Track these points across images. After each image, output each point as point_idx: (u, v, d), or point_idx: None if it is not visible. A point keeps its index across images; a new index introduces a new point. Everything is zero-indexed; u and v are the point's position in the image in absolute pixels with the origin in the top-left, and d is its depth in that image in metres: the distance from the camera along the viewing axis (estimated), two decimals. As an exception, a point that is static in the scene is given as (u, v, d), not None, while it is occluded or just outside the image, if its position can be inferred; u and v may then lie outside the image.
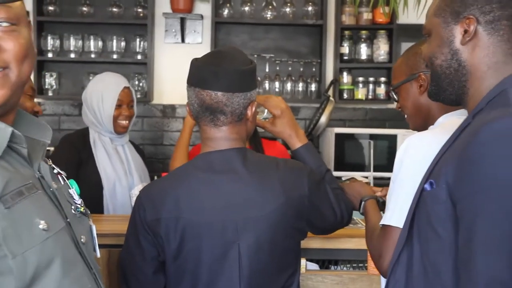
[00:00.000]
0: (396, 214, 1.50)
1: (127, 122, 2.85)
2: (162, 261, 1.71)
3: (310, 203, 1.75)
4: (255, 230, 1.67)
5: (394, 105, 1.92)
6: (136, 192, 2.78)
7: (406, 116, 1.78)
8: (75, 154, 2.73)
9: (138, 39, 4.29)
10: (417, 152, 1.52)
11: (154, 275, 1.72)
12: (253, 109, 1.76)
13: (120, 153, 2.88)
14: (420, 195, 1.27)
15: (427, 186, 1.23)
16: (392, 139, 4.01)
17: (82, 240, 1.16)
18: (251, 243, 1.67)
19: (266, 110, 1.99)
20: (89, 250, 1.20)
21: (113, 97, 2.80)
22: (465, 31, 1.25)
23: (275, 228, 1.69)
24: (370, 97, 4.38)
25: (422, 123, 1.72)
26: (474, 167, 1.11)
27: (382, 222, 1.56)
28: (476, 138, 1.13)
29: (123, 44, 4.30)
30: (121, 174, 2.79)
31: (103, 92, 2.80)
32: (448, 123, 1.60)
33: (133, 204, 2.72)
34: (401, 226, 1.44)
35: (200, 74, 1.72)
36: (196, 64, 1.74)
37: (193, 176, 1.71)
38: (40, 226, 1.01)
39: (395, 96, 1.78)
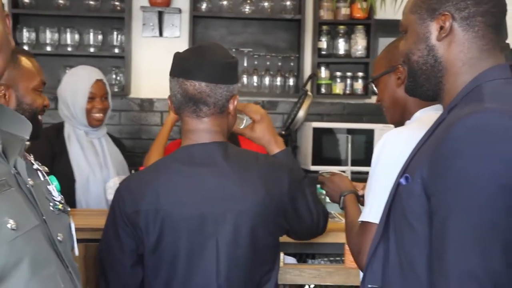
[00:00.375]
0: (374, 210, 1.51)
1: (101, 115, 2.82)
2: (141, 253, 1.70)
3: (289, 200, 1.75)
4: (235, 224, 1.67)
5: (371, 100, 1.93)
6: (111, 184, 2.75)
7: (384, 109, 1.79)
8: (48, 147, 2.69)
9: (115, 33, 4.25)
10: (393, 148, 1.53)
11: (132, 268, 1.71)
12: (235, 103, 1.76)
13: (96, 146, 2.84)
14: (396, 189, 1.27)
15: (402, 180, 1.24)
16: (370, 134, 4.03)
17: (59, 238, 1.12)
18: (229, 237, 1.66)
19: (245, 120, 1.99)
20: (66, 248, 1.16)
21: (85, 90, 2.76)
22: (441, 28, 1.26)
23: (255, 222, 1.69)
24: (347, 92, 4.39)
25: (399, 116, 1.73)
26: (447, 163, 1.12)
27: (360, 219, 1.57)
28: (449, 133, 1.13)
29: (100, 37, 4.25)
30: (96, 167, 2.76)
31: (75, 85, 2.78)
32: (425, 117, 1.61)
33: (108, 197, 2.72)
34: (377, 222, 1.45)
35: (184, 65, 1.72)
36: (180, 56, 1.75)
37: (173, 168, 1.71)
38: (8, 226, 0.97)
39: (374, 88, 1.79)
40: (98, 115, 2.81)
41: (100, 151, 2.84)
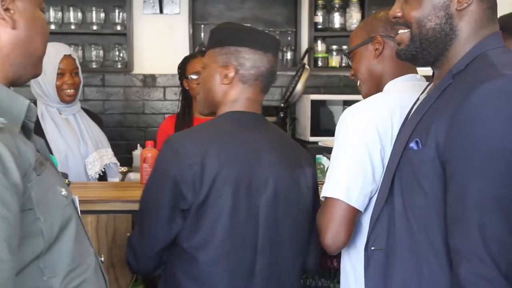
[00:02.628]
0: (338, 186, 1.49)
1: (72, 90, 2.73)
2: (184, 208, 1.66)
3: (314, 189, 1.80)
4: (274, 188, 1.69)
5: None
6: (90, 160, 2.72)
7: (358, 82, 1.74)
8: None
9: (117, 10, 4.22)
10: (349, 124, 1.52)
11: (171, 221, 1.66)
12: None
13: (72, 123, 2.78)
14: (402, 154, 1.26)
15: (413, 145, 1.23)
16: (365, 105, 4.04)
17: (77, 207, 1.21)
18: (270, 200, 1.69)
19: None
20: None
21: (53, 67, 2.68)
22: None
23: (290, 191, 1.72)
24: (343, 64, 4.39)
25: (374, 89, 1.68)
26: (468, 128, 1.11)
27: (323, 194, 1.54)
28: (468, 99, 1.12)
29: (102, 15, 4.23)
30: (73, 144, 2.70)
31: (44, 63, 2.72)
32: (391, 89, 1.60)
33: (88, 172, 2.71)
34: (340, 198, 1.46)
35: (269, 41, 1.76)
36: (253, 29, 1.81)
37: (223, 128, 1.71)
38: (62, 193, 1.09)
39: (349, 61, 1.75)
40: (69, 91, 2.72)
41: (76, 127, 2.78)
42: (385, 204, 1.31)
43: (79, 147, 2.72)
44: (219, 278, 1.66)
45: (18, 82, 1.13)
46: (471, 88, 1.13)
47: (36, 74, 1.19)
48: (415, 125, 1.26)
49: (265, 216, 1.68)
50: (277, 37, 1.93)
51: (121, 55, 4.25)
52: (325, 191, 1.53)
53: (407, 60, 1.36)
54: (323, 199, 1.56)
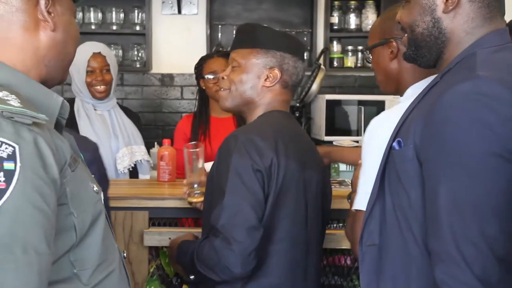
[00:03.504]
0: (363, 199, 1.44)
1: (102, 87, 2.80)
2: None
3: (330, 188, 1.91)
4: (317, 184, 1.78)
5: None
6: (120, 155, 2.76)
7: (377, 79, 1.71)
8: None
9: (136, 11, 4.25)
10: (379, 135, 1.45)
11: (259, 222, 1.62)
12: None
13: (106, 118, 2.84)
14: (389, 153, 1.25)
15: (395, 144, 1.22)
16: (380, 105, 4.02)
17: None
18: (314, 195, 1.76)
19: None
20: None
21: (83, 65, 2.76)
22: (447, 0, 1.22)
23: (320, 186, 1.81)
24: (359, 65, 4.38)
25: (393, 88, 1.65)
26: (438, 129, 1.10)
27: (354, 207, 1.52)
28: (440, 100, 1.11)
29: (122, 15, 4.26)
30: (104, 139, 2.75)
31: (75, 60, 2.76)
32: (415, 92, 1.52)
33: (118, 166, 2.75)
34: None
35: (302, 48, 1.87)
36: (290, 35, 1.91)
37: (283, 126, 1.76)
38: (94, 189, 1.13)
39: (368, 57, 1.72)
40: (99, 88, 2.79)
41: (109, 123, 2.83)
42: (376, 199, 1.29)
43: (110, 142, 2.78)
44: (282, 271, 1.70)
45: (46, 85, 1.15)
46: (445, 89, 1.12)
47: (63, 80, 1.22)
48: (401, 124, 1.25)
49: (310, 214, 1.74)
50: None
51: (139, 54, 4.28)
52: (357, 204, 1.50)
53: (411, 62, 1.35)
54: (354, 211, 1.54)
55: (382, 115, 1.55)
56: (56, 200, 0.98)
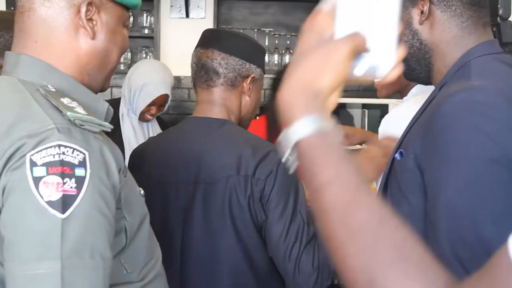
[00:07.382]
0: None
1: (151, 117, 2.88)
2: None
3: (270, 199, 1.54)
4: None
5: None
6: None
7: (378, 83, 1.75)
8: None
9: (145, 14, 4.21)
10: (394, 129, 1.50)
11: None
12: (250, 86, 1.65)
13: (144, 127, 2.89)
14: (392, 163, 1.26)
15: (397, 155, 1.23)
16: (384, 108, 3.95)
17: None
18: None
19: None
20: None
21: (147, 99, 2.80)
22: (421, 12, 1.24)
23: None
24: (363, 69, 4.32)
25: (392, 91, 1.71)
26: (437, 139, 1.11)
27: None
28: (438, 111, 1.12)
29: (131, 19, 4.20)
30: None
31: (141, 89, 2.81)
32: (421, 96, 1.57)
33: None
34: None
35: (204, 36, 1.69)
36: (205, 31, 1.73)
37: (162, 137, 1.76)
38: (141, 192, 1.16)
39: None
40: (149, 117, 2.87)
41: (147, 132, 2.90)
42: None
43: None
44: None
45: None
46: (443, 100, 1.13)
47: (103, 89, 1.18)
48: (403, 136, 1.26)
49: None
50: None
51: (148, 57, 4.22)
52: None
53: (410, 80, 1.36)
54: None
55: (391, 112, 1.60)
56: (115, 206, 1.00)
